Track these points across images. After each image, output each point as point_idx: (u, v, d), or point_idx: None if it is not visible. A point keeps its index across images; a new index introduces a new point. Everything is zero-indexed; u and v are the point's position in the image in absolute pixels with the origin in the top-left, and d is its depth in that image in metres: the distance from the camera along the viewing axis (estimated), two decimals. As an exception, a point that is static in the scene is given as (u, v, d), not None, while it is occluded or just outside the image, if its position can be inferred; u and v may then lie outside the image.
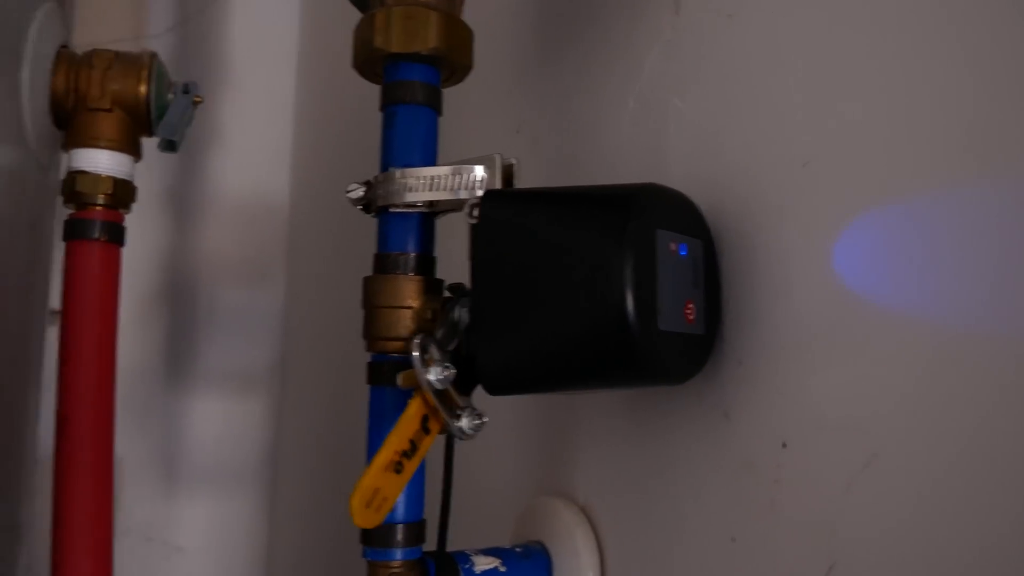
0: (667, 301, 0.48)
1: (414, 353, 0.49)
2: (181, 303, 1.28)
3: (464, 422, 0.50)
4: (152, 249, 1.26)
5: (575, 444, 0.64)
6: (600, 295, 0.47)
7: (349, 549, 0.60)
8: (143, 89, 0.66)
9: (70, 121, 0.67)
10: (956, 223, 0.41)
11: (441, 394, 0.49)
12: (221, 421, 1.28)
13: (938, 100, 0.42)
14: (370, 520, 0.46)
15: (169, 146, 0.68)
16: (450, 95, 0.60)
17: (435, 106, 0.58)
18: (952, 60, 0.41)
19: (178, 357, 1.27)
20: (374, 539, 0.54)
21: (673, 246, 0.49)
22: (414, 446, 0.48)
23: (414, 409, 0.49)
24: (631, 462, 0.59)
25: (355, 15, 0.60)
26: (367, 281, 0.55)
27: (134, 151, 0.68)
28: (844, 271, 0.46)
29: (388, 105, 0.58)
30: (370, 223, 0.58)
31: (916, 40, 0.43)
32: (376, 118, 0.59)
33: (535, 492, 0.67)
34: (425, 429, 0.49)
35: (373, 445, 0.55)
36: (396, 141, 0.57)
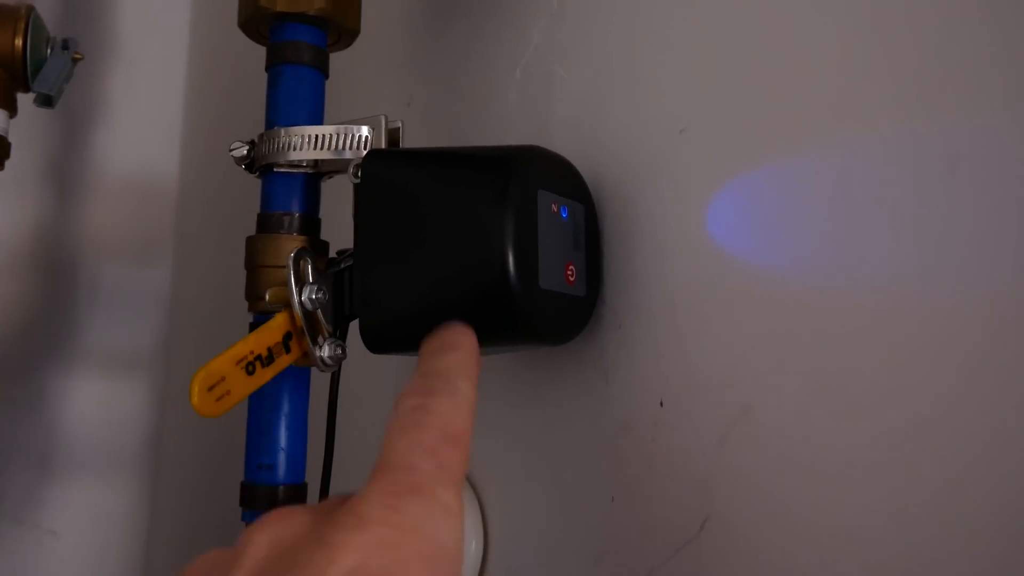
0: (548, 261, 0.49)
1: (289, 267, 0.48)
2: (61, 281, 1.24)
3: (326, 350, 0.50)
4: (31, 223, 1.22)
5: (459, 411, 0.64)
6: (481, 253, 0.47)
7: (233, 534, 0.59)
8: (19, 42, 0.64)
9: (-60, 76, 0.64)
10: (811, 185, 0.42)
11: (310, 316, 0.49)
12: (102, 403, 1.24)
13: (799, 69, 0.43)
14: (208, 407, 0.45)
15: (45, 101, 0.66)
16: (339, 67, 0.59)
17: (322, 68, 0.58)
18: (814, 26, 0.43)
19: (56, 336, 1.23)
20: (253, 501, 0.53)
21: (554, 208, 0.50)
22: (271, 356, 0.48)
23: (279, 321, 0.49)
24: (513, 429, 0.60)
25: None
26: (250, 241, 0.55)
27: (9, 106, 0.66)
28: (716, 233, 0.48)
29: (273, 65, 0.57)
30: (259, 194, 0.57)
31: (781, 7, 0.44)
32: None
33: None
34: (286, 347, 0.49)
35: (254, 406, 0.54)
36: (281, 100, 0.56)
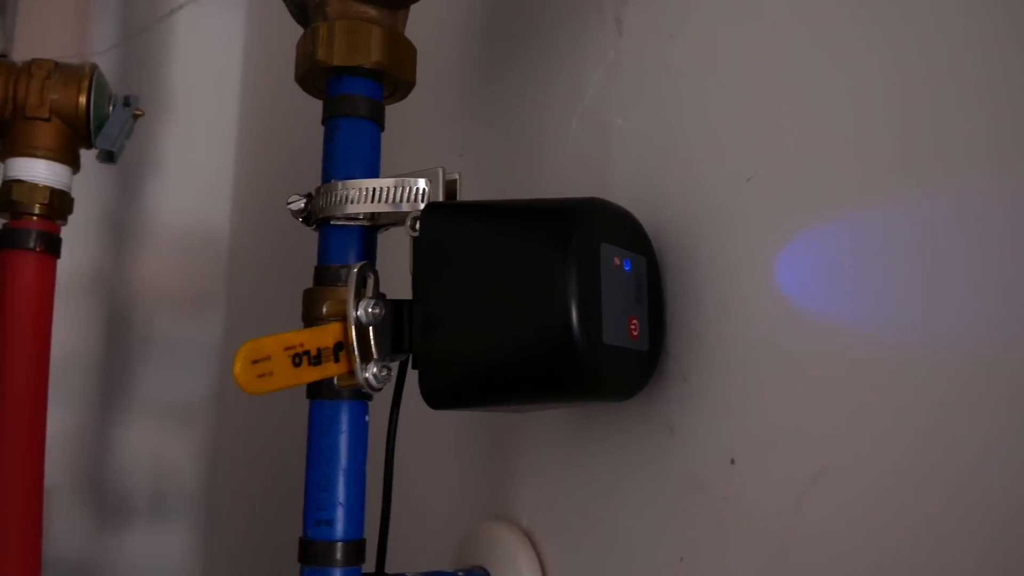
0: (612, 316, 0.47)
1: (350, 281, 0.48)
2: (117, 331, 1.25)
3: (371, 372, 0.49)
4: (88, 275, 1.23)
5: (518, 466, 0.63)
6: (544, 307, 0.46)
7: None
8: (83, 99, 0.65)
9: (7, 130, 0.65)
10: (893, 236, 0.41)
11: (362, 332, 0.48)
12: (156, 452, 1.24)
13: (877, 116, 0.42)
14: (250, 380, 0.44)
15: (108, 157, 0.67)
16: (393, 118, 0.59)
17: (378, 121, 0.58)
18: (890, 76, 0.41)
19: (113, 386, 1.23)
20: (312, 556, 0.52)
21: (617, 261, 0.49)
22: (319, 357, 0.47)
23: (335, 327, 0.48)
24: (575, 483, 0.58)
25: (295, 41, 0.59)
26: (307, 294, 0.54)
27: (72, 162, 0.67)
28: (787, 285, 0.46)
29: (330, 118, 0.57)
30: (312, 254, 0.56)
31: (854, 56, 0.43)
32: (320, 146, 0.58)
33: (479, 515, 0.66)
34: (335, 356, 0.48)
35: (313, 461, 0.53)
36: (337, 154, 0.56)
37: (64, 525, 1.17)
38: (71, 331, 1.20)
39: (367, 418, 0.55)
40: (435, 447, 0.72)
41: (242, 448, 1.22)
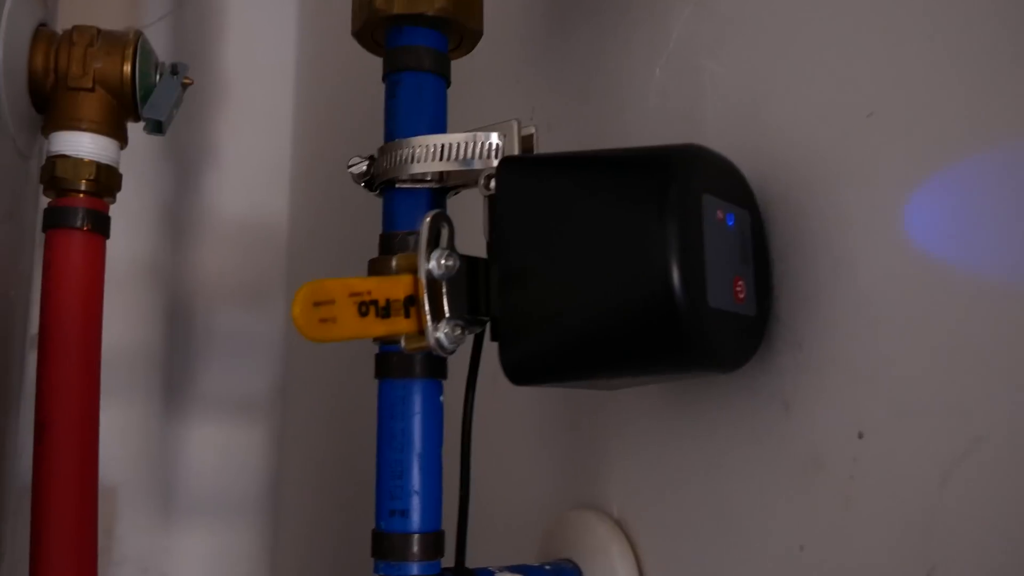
0: (715, 276, 0.42)
1: (422, 230, 0.43)
2: (176, 325, 1.23)
3: (443, 332, 0.43)
4: (146, 268, 1.20)
5: (608, 449, 0.58)
6: (640, 268, 0.41)
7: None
8: (127, 68, 0.61)
9: (49, 103, 0.61)
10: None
11: (434, 287, 0.43)
12: (220, 449, 1.22)
13: (1019, 44, 0.36)
14: (310, 324, 0.40)
15: (156, 128, 0.63)
16: (457, 79, 0.54)
17: (443, 74, 0.53)
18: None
19: (174, 382, 1.21)
20: (387, 550, 0.47)
21: (720, 215, 0.43)
22: (388, 310, 0.42)
23: (406, 278, 0.43)
24: (673, 467, 0.53)
25: (348, 24, 0.54)
26: (373, 264, 0.49)
27: (119, 135, 0.62)
28: (919, 234, 0.40)
29: (391, 73, 0.52)
30: (375, 241, 0.52)
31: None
32: (380, 131, 0.53)
33: (565, 503, 0.60)
34: (406, 311, 0.43)
35: (384, 446, 0.49)
36: (400, 110, 0.51)
37: (129, 523, 1.15)
38: (129, 324, 1.18)
39: (442, 398, 0.50)
40: (515, 429, 0.67)
41: (308, 443, 1.19)
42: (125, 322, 1.18)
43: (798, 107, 0.46)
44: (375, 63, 0.54)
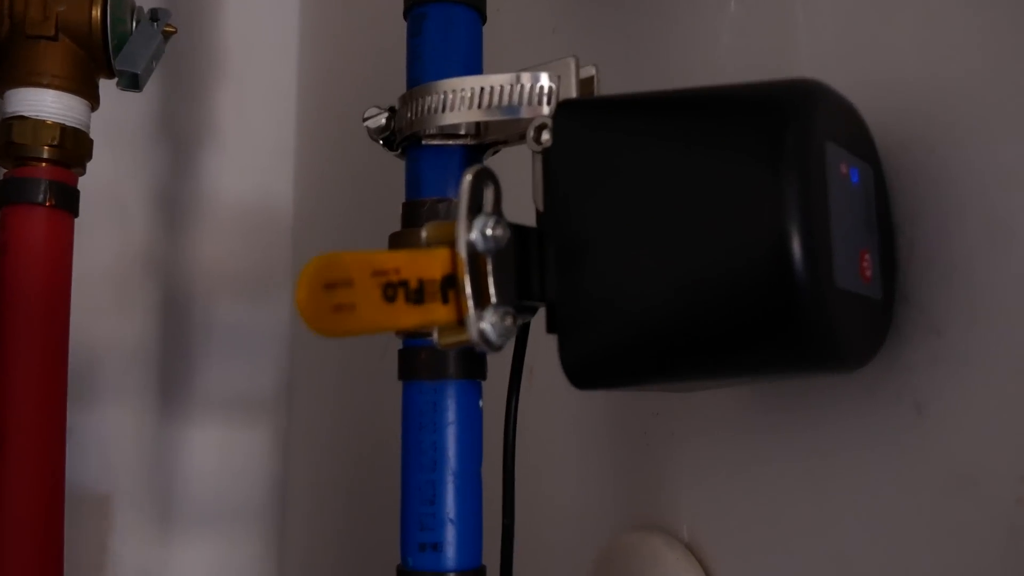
0: (842, 249, 0.33)
1: (462, 191, 0.33)
2: (174, 319, 1.15)
3: (488, 321, 0.33)
4: (140, 257, 1.13)
5: (676, 461, 0.48)
6: (746, 238, 0.31)
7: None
8: (96, 12, 0.52)
9: (5, 54, 0.52)
10: None
11: (477, 265, 0.33)
12: (222, 452, 1.15)
13: None
14: (320, 313, 0.30)
15: (131, 82, 0.54)
16: (489, 31, 0.45)
17: (477, 6, 0.43)
18: None
19: (172, 381, 1.13)
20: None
21: (844, 169, 0.34)
22: (420, 293, 0.32)
23: (443, 253, 0.33)
24: (760, 481, 0.43)
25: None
26: (395, 238, 0.40)
27: (89, 94, 0.54)
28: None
29: (415, 6, 0.43)
30: (390, 225, 0.42)
31: None
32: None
33: (623, 524, 0.51)
34: (444, 295, 0.33)
35: (411, 464, 0.40)
36: (427, 50, 0.42)
37: (125, 535, 1.08)
38: (121, 318, 1.10)
39: (481, 403, 0.41)
40: (561, 434, 0.58)
41: (317, 445, 1.12)
42: (116, 317, 1.10)
43: (925, 30, 0.37)
44: (386, 32, 0.45)
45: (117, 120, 0.95)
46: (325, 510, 1.08)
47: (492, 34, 0.46)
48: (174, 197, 1.16)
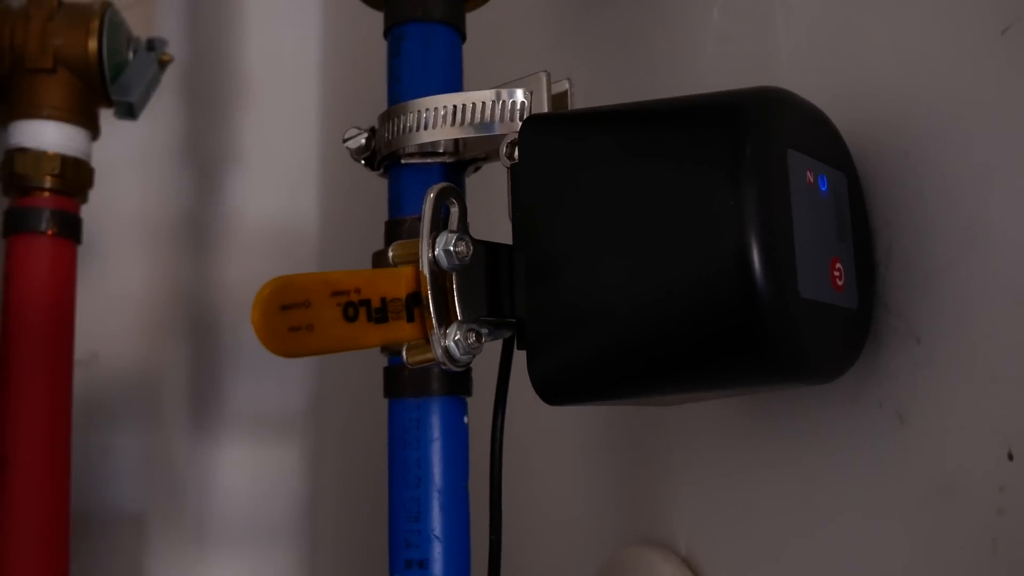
0: (807, 257, 0.32)
1: (425, 208, 0.33)
2: (202, 343, 1.16)
3: (453, 339, 0.33)
4: (168, 282, 1.14)
5: (672, 472, 0.48)
6: (707, 249, 0.31)
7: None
8: (92, 43, 0.53)
9: (7, 89, 0.53)
10: None
11: (438, 280, 0.33)
12: (252, 472, 1.15)
13: None
14: (275, 333, 0.31)
15: (127, 111, 0.55)
16: (474, 41, 0.45)
17: (456, 26, 0.44)
18: None
19: (201, 403, 1.15)
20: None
21: (810, 177, 0.34)
22: (383, 312, 0.32)
23: (407, 271, 0.33)
24: (753, 494, 0.43)
25: (378, 16, 0.46)
26: (378, 257, 0.41)
27: (89, 124, 0.55)
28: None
29: (394, 26, 0.43)
30: None
31: None
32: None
33: (621, 539, 0.51)
34: (409, 313, 0.33)
35: (396, 480, 0.40)
36: (406, 70, 0.42)
37: (158, 552, 1.09)
38: (150, 343, 1.12)
39: (466, 419, 0.41)
40: (554, 450, 0.57)
41: (346, 462, 1.12)
42: (147, 340, 1.12)
43: (902, 32, 0.37)
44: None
45: (143, 147, 0.96)
46: (354, 527, 1.08)
47: (477, 51, 0.46)
48: (201, 221, 1.17)
